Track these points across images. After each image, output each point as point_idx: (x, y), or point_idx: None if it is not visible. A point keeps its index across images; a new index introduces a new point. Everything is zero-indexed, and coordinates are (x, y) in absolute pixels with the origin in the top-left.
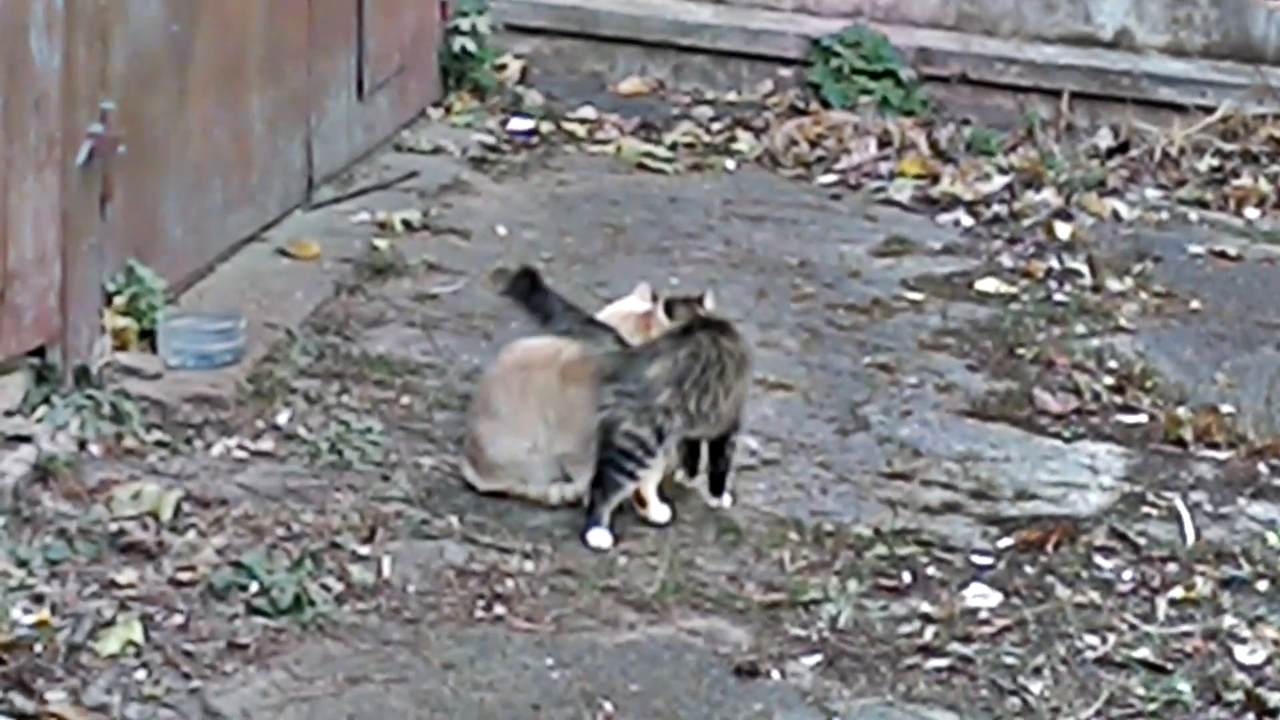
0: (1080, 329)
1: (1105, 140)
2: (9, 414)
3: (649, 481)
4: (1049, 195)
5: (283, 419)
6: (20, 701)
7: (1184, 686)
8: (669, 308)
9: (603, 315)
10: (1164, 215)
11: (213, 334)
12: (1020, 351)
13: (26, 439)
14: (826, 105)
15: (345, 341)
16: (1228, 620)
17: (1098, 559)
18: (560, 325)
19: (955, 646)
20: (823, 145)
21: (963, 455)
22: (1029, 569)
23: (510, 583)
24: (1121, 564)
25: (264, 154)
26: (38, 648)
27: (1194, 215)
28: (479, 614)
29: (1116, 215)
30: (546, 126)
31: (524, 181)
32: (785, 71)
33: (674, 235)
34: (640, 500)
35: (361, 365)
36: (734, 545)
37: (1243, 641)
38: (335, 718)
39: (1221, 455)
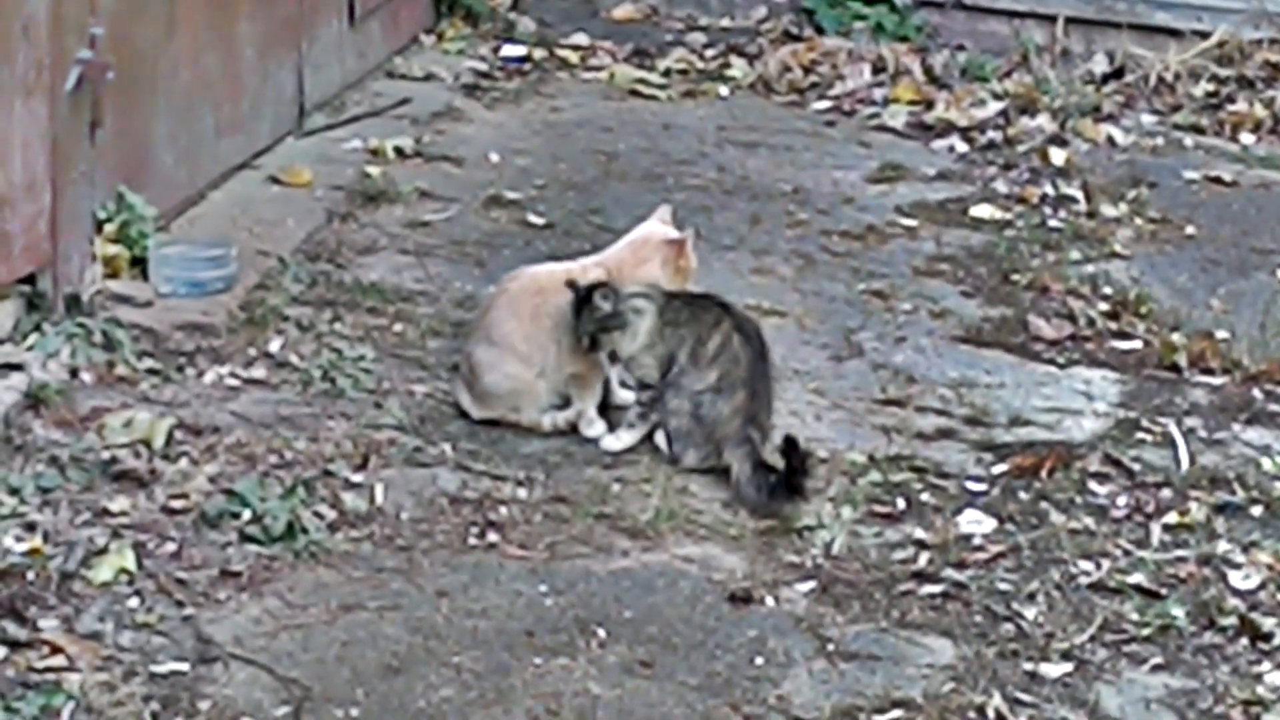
0: (1075, 255)
1: (1100, 66)
2: (0, 342)
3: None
4: (1044, 121)
5: (275, 347)
6: (13, 629)
7: (1178, 611)
8: None
9: (626, 240)
10: (1159, 141)
11: (204, 261)
12: (1015, 278)
13: (18, 367)
14: (820, 31)
15: (337, 269)
16: (1222, 545)
17: (1092, 485)
18: None
19: (949, 572)
20: (817, 71)
21: (957, 381)
22: (1023, 495)
23: (504, 510)
24: (1116, 490)
25: (255, 80)
26: (30, 576)
27: (1189, 141)
28: (472, 541)
29: (1111, 141)
30: (539, 53)
31: (516, 108)
32: None
33: (667, 162)
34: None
35: (354, 292)
36: (728, 472)
37: (1236, 567)
38: (328, 645)
39: (1216, 381)
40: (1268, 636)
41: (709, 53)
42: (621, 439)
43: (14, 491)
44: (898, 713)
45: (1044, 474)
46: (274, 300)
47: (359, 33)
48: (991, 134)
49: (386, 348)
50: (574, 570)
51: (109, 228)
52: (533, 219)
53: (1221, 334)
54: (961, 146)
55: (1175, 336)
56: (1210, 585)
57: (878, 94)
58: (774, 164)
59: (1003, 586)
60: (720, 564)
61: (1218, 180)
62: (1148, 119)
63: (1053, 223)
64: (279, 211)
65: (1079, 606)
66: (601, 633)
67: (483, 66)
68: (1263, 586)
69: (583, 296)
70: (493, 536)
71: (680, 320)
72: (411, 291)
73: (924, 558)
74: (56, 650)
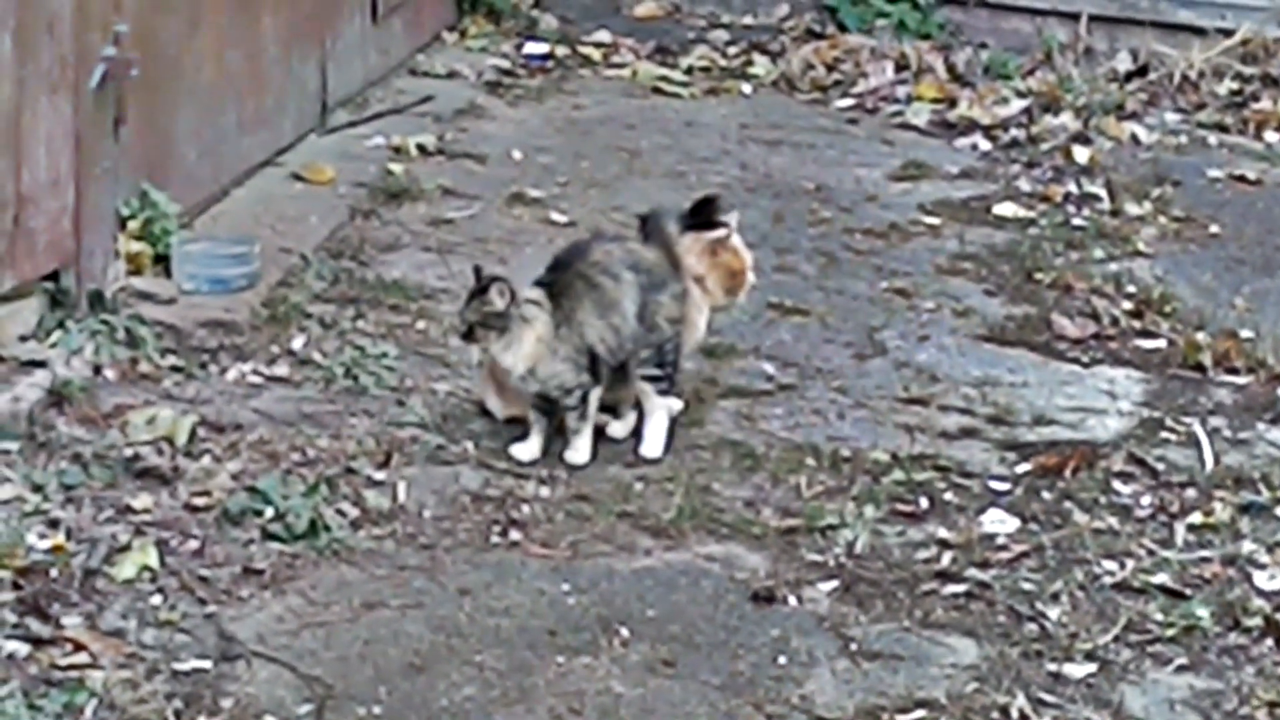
0: (1098, 253)
1: (1124, 63)
2: (23, 339)
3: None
4: (1067, 119)
5: (297, 344)
6: (36, 626)
7: (1202, 612)
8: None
9: None
10: (1183, 139)
11: (227, 259)
12: (1038, 276)
13: (41, 364)
14: (843, 29)
15: (360, 266)
16: (1246, 545)
17: (1116, 484)
18: None
19: (973, 572)
20: (839, 69)
21: (980, 380)
22: (1047, 494)
23: (526, 508)
24: (1140, 489)
25: (278, 77)
26: (53, 573)
27: (1213, 139)
28: (495, 539)
29: (1135, 139)
30: (562, 50)
31: (539, 105)
32: None
33: (690, 159)
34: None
35: (376, 290)
36: (750, 471)
37: (1261, 567)
38: (351, 643)
39: (1240, 380)
40: None
41: (731, 50)
42: (530, 447)
43: (37, 488)
44: (921, 713)
45: (1068, 473)
46: (296, 297)
47: (382, 30)
48: (1015, 132)
49: (409, 345)
50: (596, 569)
51: (132, 224)
52: (555, 216)
53: (1246, 333)
54: (984, 144)
55: (1199, 335)
56: (1235, 586)
57: (900, 92)
58: (797, 162)
59: (1026, 586)
60: (743, 563)
61: (1242, 179)
62: (1171, 117)
63: (1076, 221)
64: (302, 208)
65: (1103, 607)
66: (624, 631)
67: (505, 64)
68: None
69: (481, 286)
70: (515, 535)
71: (575, 311)
72: (434, 289)
73: (947, 557)
74: (79, 647)
